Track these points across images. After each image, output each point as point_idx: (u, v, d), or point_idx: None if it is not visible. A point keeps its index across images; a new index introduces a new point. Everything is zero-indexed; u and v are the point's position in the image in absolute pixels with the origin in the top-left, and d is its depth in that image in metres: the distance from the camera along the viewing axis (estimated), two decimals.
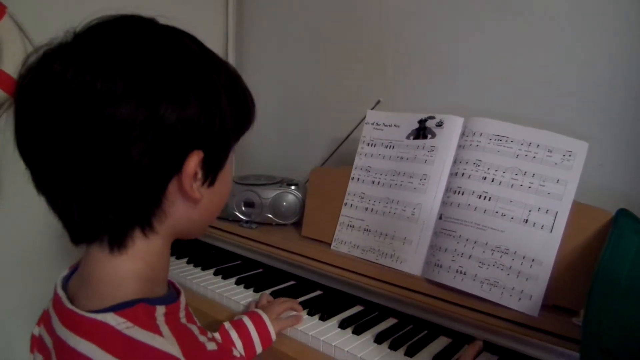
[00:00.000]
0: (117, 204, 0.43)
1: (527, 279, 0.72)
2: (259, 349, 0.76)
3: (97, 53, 0.41)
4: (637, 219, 0.70)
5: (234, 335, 0.76)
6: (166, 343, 0.42)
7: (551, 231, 0.73)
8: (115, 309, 0.43)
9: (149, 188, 0.43)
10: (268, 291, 0.93)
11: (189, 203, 0.47)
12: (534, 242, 0.73)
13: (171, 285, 0.53)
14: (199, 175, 0.46)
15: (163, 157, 0.42)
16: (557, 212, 0.73)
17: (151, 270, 0.47)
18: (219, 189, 0.50)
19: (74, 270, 0.51)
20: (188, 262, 1.08)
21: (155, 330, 0.43)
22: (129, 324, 0.42)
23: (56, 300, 0.48)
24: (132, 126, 0.40)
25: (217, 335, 0.76)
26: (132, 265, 0.46)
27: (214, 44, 1.47)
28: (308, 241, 1.01)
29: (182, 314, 0.49)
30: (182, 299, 0.51)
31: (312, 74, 1.36)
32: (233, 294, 0.92)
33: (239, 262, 1.10)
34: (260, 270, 1.06)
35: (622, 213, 0.70)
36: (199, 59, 0.46)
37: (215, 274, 1.02)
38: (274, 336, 0.78)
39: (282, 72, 1.44)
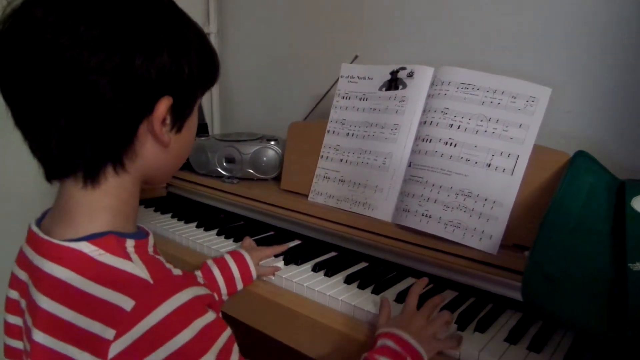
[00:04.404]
0: (92, 139, 0.46)
1: (487, 219, 0.75)
2: (239, 285, 0.80)
3: (77, 1, 0.44)
4: (593, 160, 0.72)
5: (215, 271, 0.79)
6: (135, 267, 0.46)
7: (512, 174, 0.75)
8: (88, 238, 0.47)
9: (122, 127, 0.47)
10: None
11: (158, 146, 0.51)
12: (495, 185, 0.76)
13: (141, 229, 0.57)
14: (168, 120, 0.51)
15: (135, 101, 0.46)
16: (518, 156, 0.76)
17: (123, 206, 0.51)
18: (185, 136, 0.55)
19: (46, 212, 0.55)
20: (172, 217, 1.11)
21: (126, 257, 0.47)
22: (101, 251, 0.46)
23: (30, 235, 0.51)
24: (107, 70, 0.44)
25: (198, 273, 0.80)
26: (104, 199, 0.50)
27: (196, 5, 1.49)
28: (287, 194, 1.04)
29: (150, 249, 0.53)
30: (151, 238, 0.55)
31: (293, 32, 1.36)
32: (214, 244, 0.96)
33: (222, 215, 1.13)
34: (242, 222, 1.09)
35: (580, 154, 0.72)
36: (171, 13, 0.50)
37: (198, 226, 1.05)
38: (254, 274, 0.81)
39: (263, 32, 1.44)
